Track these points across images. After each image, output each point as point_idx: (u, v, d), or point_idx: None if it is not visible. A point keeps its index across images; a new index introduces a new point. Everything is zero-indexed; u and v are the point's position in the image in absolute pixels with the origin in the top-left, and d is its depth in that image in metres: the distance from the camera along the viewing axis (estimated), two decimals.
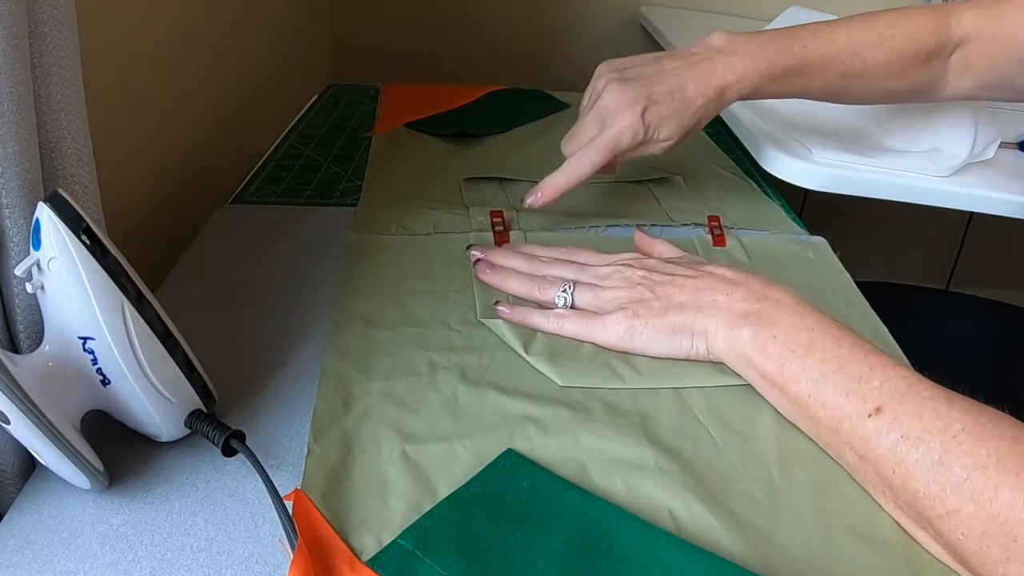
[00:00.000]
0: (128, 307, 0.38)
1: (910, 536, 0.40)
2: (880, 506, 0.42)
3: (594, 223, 0.68)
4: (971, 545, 0.36)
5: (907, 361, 0.52)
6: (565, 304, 0.54)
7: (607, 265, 0.55)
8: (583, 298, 0.54)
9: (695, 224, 0.70)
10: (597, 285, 0.54)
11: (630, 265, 0.54)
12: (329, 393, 0.47)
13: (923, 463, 0.38)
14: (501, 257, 0.59)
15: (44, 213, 0.36)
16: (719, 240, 0.67)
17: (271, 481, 0.38)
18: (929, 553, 0.39)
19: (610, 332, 0.51)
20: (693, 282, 0.51)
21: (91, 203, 0.44)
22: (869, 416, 0.40)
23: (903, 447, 0.39)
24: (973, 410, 0.38)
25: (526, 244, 0.63)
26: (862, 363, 0.42)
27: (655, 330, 0.50)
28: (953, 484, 0.36)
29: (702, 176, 0.81)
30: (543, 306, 0.55)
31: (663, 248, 0.59)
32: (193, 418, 0.41)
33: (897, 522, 0.41)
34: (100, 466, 0.39)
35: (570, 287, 0.54)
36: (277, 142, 0.85)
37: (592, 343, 0.52)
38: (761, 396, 0.48)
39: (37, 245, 0.37)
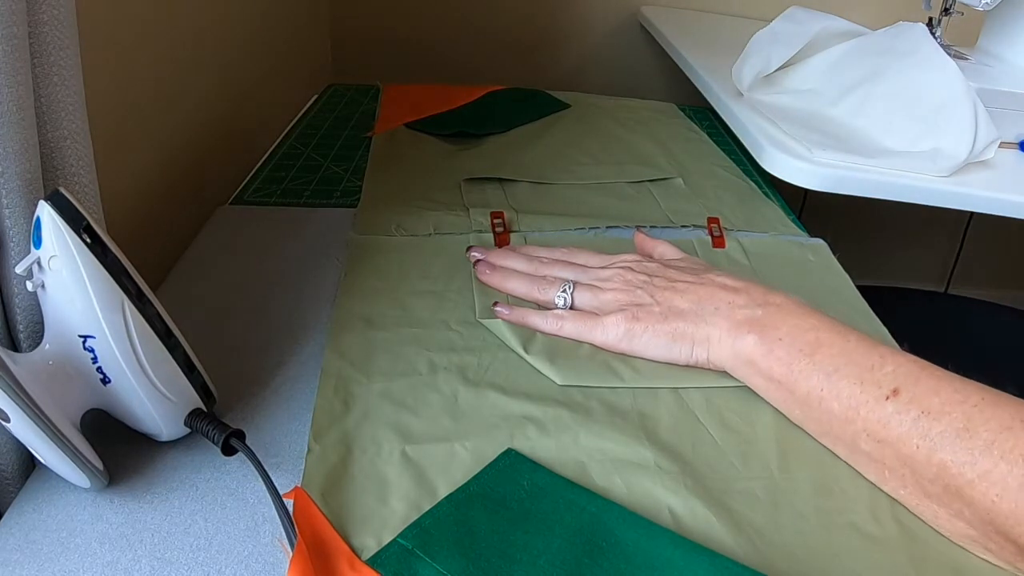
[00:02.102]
0: (128, 306, 0.38)
1: (910, 533, 0.40)
2: (897, 503, 0.42)
3: (594, 224, 0.68)
4: (1007, 504, 0.36)
5: None
6: (564, 304, 0.54)
7: (607, 267, 0.55)
8: (582, 299, 0.54)
9: (695, 226, 0.70)
10: (597, 286, 0.54)
11: (630, 268, 0.54)
12: (329, 393, 0.47)
13: (948, 433, 0.39)
14: (501, 258, 0.59)
15: (45, 211, 0.36)
16: (718, 242, 0.67)
17: (271, 480, 0.38)
18: (930, 549, 0.39)
19: (609, 333, 0.51)
20: (695, 289, 0.51)
21: (91, 202, 0.44)
22: (887, 399, 0.41)
23: (925, 421, 0.39)
24: (985, 386, 0.40)
25: (526, 245, 0.63)
26: (871, 353, 0.43)
27: (654, 335, 0.50)
28: (981, 448, 0.37)
29: (702, 177, 0.81)
30: (542, 307, 0.55)
31: (664, 249, 0.59)
32: (193, 417, 0.41)
33: (915, 514, 0.41)
34: (100, 465, 0.39)
35: (569, 288, 0.54)
36: (277, 142, 0.85)
37: (591, 344, 0.52)
38: (761, 396, 0.48)
39: (38, 243, 0.37)
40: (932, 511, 0.40)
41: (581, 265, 0.57)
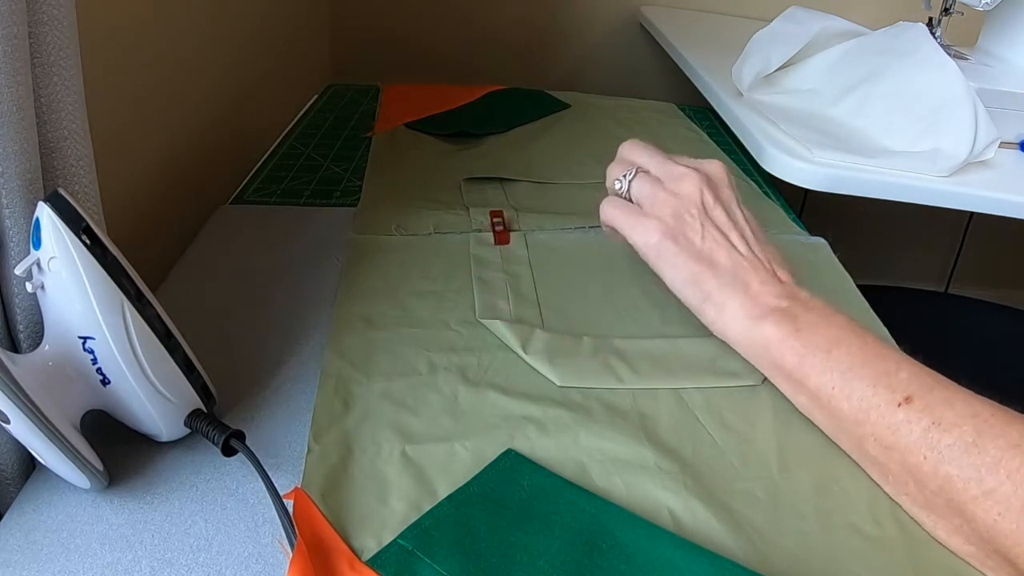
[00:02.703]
0: (128, 307, 0.38)
1: (910, 534, 0.40)
2: (896, 504, 0.42)
3: (594, 223, 0.68)
4: (1008, 524, 0.36)
5: None
6: (620, 190, 0.53)
7: (685, 167, 0.52)
8: (638, 187, 0.52)
9: None
10: (659, 180, 0.52)
11: (704, 186, 0.51)
12: (329, 393, 0.47)
13: (957, 447, 0.38)
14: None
15: (44, 212, 0.36)
16: None
17: (271, 481, 0.38)
18: (930, 551, 0.39)
19: (641, 236, 0.50)
20: (744, 253, 0.49)
21: (91, 203, 0.43)
22: (899, 405, 0.41)
23: (935, 433, 0.39)
24: (994, 402, 0.40)
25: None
26: (888, 358, 0.43)
27: (679, 267, 0.49)
28: (988, 465, 0.37)
29: None
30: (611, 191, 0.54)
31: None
32: (193, 418, 0.41)
33: (914, 519, 0.41)
34: (100, 466, 0.39)
35: (631, 174, 0.52)
36: (277, 142, 0.85)
37: (625, 238, 0.52)
38: (761, 396, 0.48)
39: (37, 244, 0.37)
40: (932, 521, 0.40)
41: (660, 158, 0.53)
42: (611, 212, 0.51)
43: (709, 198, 0.50)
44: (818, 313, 0.46)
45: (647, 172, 0.53)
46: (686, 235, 0.49)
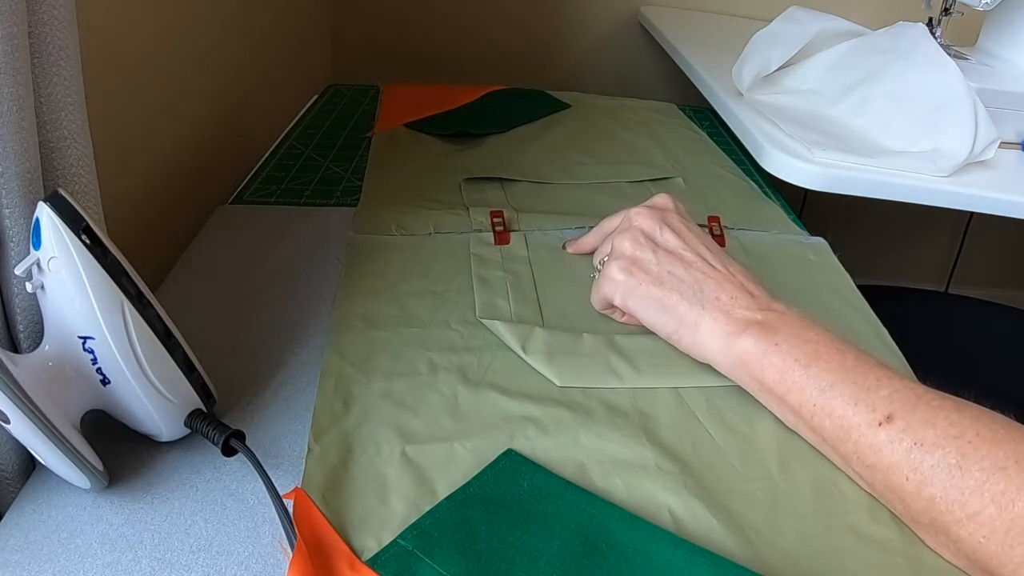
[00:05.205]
0: (128, 307, 0.38)
1: (910, 535, 0.40)
2: (880, 504, 0.42)
3: (594, 223, 0.68)
4: (993, 547, 0.36)
5: (908, 364, 0.52)
6: (598, 269, 0.56)
7: (628, 210, 0.55)
8: (601, 254, 0.56)
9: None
10: (622, 229, 0.54)
11: (648, 217, 0.53)
12: (329, 393, 0.47)
13: (940, 468, 0.38)
14: None
15: (44, 212, 0.36)
16: (719, 240, 0.67)
17: (271, 481, 0.38)
18: (929, 552, 0.39)
19: (605, 287, 0.52)
20: (705, 269, 0.50)
21: (91, 203, 0.43)
22: (880, 425, 0.40)
23: (918, 454, 0.38)
24: (984, 417, 0.39)
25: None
26: (868, 374, 0.42)
27: (646, 296, 0.50)
28: (972, 488, 0.36)
29: (702, 176, 0.81)
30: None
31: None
32: (193, 418, 0.41)
33: (901, 520, 0.41)
34: (100, 466, 0.39)
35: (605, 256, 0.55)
36: (277, 142, 0.85)
37: (604, 298, 0.53)
38: None
39: (37, 244, 0.37)
40: (921, 535, 0.40)
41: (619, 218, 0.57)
42: (593, 293, 0.54)
43: (656, 225, 0.52)
44: (795, 326, 0.45)
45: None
46: (642, 266, 0.51)
